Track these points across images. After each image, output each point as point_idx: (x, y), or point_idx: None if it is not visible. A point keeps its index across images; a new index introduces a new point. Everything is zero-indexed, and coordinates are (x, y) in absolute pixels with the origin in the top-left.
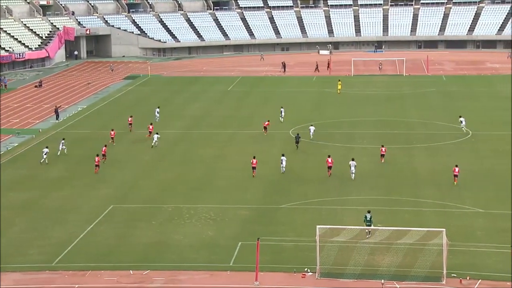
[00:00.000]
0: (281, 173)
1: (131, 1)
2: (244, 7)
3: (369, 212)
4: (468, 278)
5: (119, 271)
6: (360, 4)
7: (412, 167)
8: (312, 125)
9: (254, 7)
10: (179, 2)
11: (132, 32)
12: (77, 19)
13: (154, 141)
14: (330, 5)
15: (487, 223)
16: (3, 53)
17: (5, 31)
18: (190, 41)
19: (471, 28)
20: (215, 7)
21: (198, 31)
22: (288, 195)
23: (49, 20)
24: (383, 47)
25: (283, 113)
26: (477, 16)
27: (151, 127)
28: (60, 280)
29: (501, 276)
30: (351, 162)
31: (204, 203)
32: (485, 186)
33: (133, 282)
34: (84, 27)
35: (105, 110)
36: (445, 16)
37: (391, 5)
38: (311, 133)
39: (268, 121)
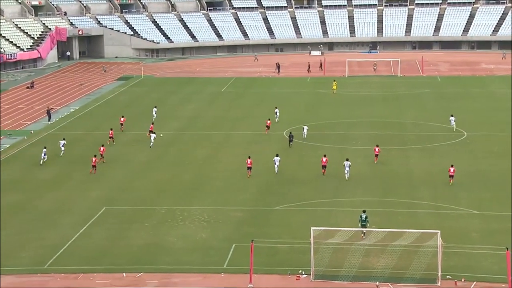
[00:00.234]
0: (274, 173)
1: (124, 1)
2: (238, 8)
3: (364, 212)
4: (463, 280)
5: (112, 274)
6: (355, 5)
7: (407, 168)
8: (305, 125)
9: (248, 8)
10: (172, 3)
11: (125, 33)
12: (69, 20)
13: (151, 141)
14: (324, 5)
15: (482, 224)
16: None
17: None
18: (184, 41)
19: (466, 29)
20: (208, 8)
21: (191, 32)
22: (283, 197)
23: (41, 21)
24: (378, 48)
25: (277, 114)
26: (472, 16)
27: (152, 126)
28: (52, 283)
29: (496, 278)
30: (345, 162)
31: (197, 205)
32: (480, 187)
33: (126, 285)
34: (77, 27)
35: (98, 111)
36: (440, 17)
37: (385, 6)
38: (304, 133)
39: (269, 119)
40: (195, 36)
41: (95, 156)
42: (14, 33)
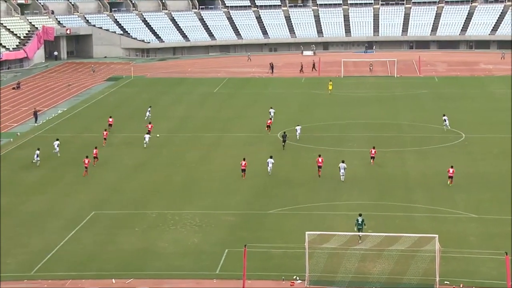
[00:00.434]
0: (268, 176)
1: None
2: (231, 6)
3: (360, 215)
4: (461, 286)
5: (101, 280)
6: (350, 3)
7: (404, 171)
8: (298, 125)
9: (241, 6)
10: (163, 1)
11: (115, 32)
12: (56, 19)
13: (145, 141)
14: (319, 4)
15: (481, 228)
16: None
17: None
18: (175, 41)
19: (464, 28)
20: (200, 6)
21: (183, 31)
22: (276, 200)
23: (28, 20)
24: (374, 48)
25: (272, 114)
26: (470, 15)
27: (150, 126)
28: None
29: (496, 283)
30: (341, 164)
31: (189, 209)
32: (478, 190)
33: None
34: (64, 26)
35: (86, 112)
36: (437, 16)
37: (382, 4)
38: (297, 133)
39: (271, 119)
40: (186, 36)
41: (87, 157)
42: None
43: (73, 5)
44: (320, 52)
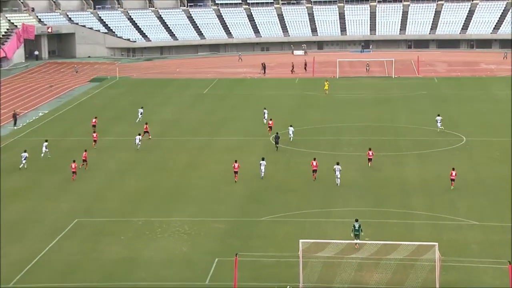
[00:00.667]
0: (260, 179)
1: None
2: (221, 4)
3: (357, 220)
4: None
5: None
6: (346, 1)
7: (402, 176)
8: (291, 126)
9: (231, 4)
10: None
11: (99, 31)
12: (37, 16)
13: (137, 143)
14: (314, 1)
15: (483, 236)
16: None
17: None
18: (162, 40)
19: (465, 27)
20: (189, 4)
21: (170, 30)
22: (269, 207)
23: (6, 17)
24: (371, 47)
25: (266, 115)
26: (471, 13)
27: (145, 126)
28: None
29: None
30: (335, 167)
31: (177, 216)
32: (480, 196)
33: None
34: (46, 24)
35: (69, 115)
36: (437, 14)
37: (378, 2)
38: (290, 135)
39: (271, 119)
40: (174, 34)
41: (74, 161)
42: None
43: (54, 2)
44: (315, 52)
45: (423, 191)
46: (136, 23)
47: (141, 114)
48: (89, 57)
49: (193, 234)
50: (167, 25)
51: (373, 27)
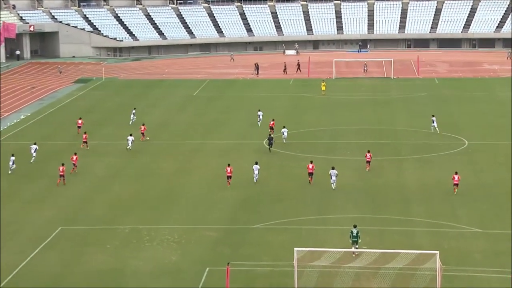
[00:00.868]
0: (253, 184)
1: None
2: (212, 1)
3: (355, 226)
4: None
5: None
6: None
7: (402, 181)
8: (284, 127)
9: (223, 1)
10: None
11: (83, 29)
12: (18, 14)
13: (129, 144)
14: None
15: (486, 244)
16: None
17: None
18: (150, 39)
19: (467, 25)
20: (178, 1)
21: (159, 28)
22: (262, 213)
23: None
24: (368, 46)
25: (260, 117)
26: (473, 11)
27: (142, 128)
28: None
29: None
30: (331, 171)
31: (166, 224)
32: (483, 202)
33: None
34: (27, 23)
35: (53, 118)
36: (438, 12)
37: None
38: (284, 136)
39: (273, 120)
40: (163, 33)
41: (63, 165)
42: None
43: None
44: (310, 52)
45: (423, 197)
46: (123, 22)
47: (134, 115)
48: (73, 57)
49: (183, 243)
50: (156, 23)
51: (371, 26)
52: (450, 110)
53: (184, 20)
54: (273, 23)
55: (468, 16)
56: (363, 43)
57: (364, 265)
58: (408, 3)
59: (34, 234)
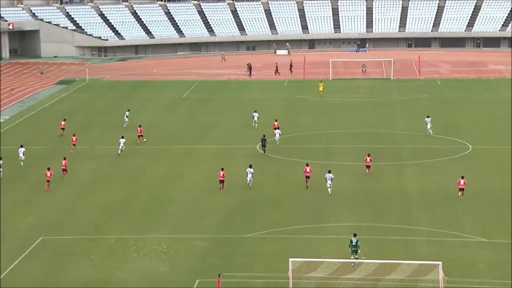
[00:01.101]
0: (246, 190)
1: None
2: None
3: (355, 235)
4: None
5: None
6: None
7: (402, 188)
8: (278, 129)
9: None
10: None
11: (66, 28)
12: None
13: (121, 146)
14: None
15: (491, 254)
16: None
17: None
18: (137, 38)
19: (470, 24)
20: None
21: (146, 27)
22: (256, 222)
23: None
24: (367, 46)
25: (256, 119)
26: (477, 9)
27: (139, 129)
28: None
29: None
30: (327, 175)
31: (154, 233)
32: (488, 210)
33: None
34: (6, 21)
35: (33, 121)
36: (440, 9)
37: None
38: (276, 138)
39: (276, 120)
40: (150, 32)
41: (49, 169)
42: None
43: None
44: (305, 51)
45: (425, 205)
46: (108, 19)
47: (127, 117)
48: (55, 56)
49: (171, 253)
50: (143, 21)
51: (369, 24)
52: (453, 113)
53: (173, 18)
54: (266, 21)
55: (472, 14)
56: (361, 42)
57: (362, 276)
58: (409, 0)
59: (13, 244)
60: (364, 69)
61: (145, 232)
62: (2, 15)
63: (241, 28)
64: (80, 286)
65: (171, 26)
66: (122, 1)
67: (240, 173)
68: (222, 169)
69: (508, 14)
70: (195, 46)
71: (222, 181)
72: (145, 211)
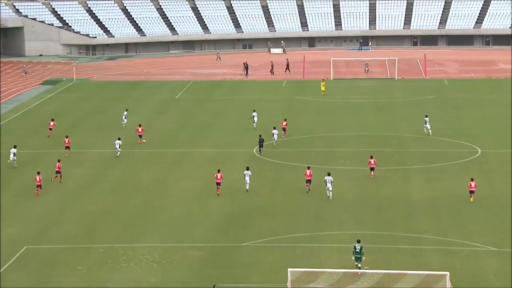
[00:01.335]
0: (243, 196)
1: None
2: None
3: (358, 242)
4: None
5: None
6: None
7: (407, 194)
8: (274, 128)
9: None
10: None
11: (52, 25)
12: None
13: (117, 148)
14: None
15: (501, 264)
16: None
17: None
18: (127, 36)
19: (479, 20)
20: None
21: (137, 24)
22: (253, 230)
23: None
24: (370, 44)
25: (255, 119)
26: (486, 4)
27: (140, 129)
28: None
29: None
30: (327, 177)
31: (145, 242)
32: (498, 217)
33: None
34: None
35: (17, 124)
36: (447, 5)
37: None
38: (274, 138)
39: (285, 120)
40: (141, 29)
41: (39, 173)
42: None
43: None
44: (305, 50)
45: (431, 212)
46: (96, 16)
47: (125, 117)
48: (40, 55)
49: (163, 263)
50: (133, 18)
51: (372, 21)
52: (460, 115)
53: (165, 14)
54: (264, 18)
55: (480, 10)
56: (364, 40)
57: (367, 287)
58: None
59: None
60: (367, 68)
61: (136, 241)
62: None
63: (237, 25)
64: None
65: (163, 23)
66: None
67: (236, 178)
68: (219, 171)
69: None
70: (189, 44)
71: (218, 183)
72: (135, 218)
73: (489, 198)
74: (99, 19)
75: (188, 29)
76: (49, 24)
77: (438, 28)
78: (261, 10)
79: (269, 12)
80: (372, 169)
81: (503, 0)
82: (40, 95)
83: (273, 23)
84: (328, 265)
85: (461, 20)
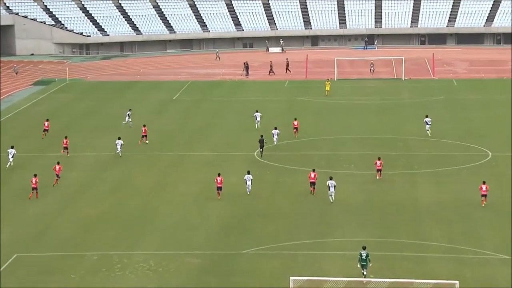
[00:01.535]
0: (243, 201)
1: None
2: None
3: (364, 248)
4: None
5: None
6: None
7: (414, 199)
8: (276, 128)
9: None
10: None
11: (44, 22)
12: None
13: (118, 148)
14: None
15: None
16: None
17: None
18: (123, 34)
19: (490, 18)
20: None
21: (133, 22)
22: (253, 236)
23: None
24: (376, 43)
25: (258, 119)
26: (497, 2)
27: (144, 130)
28: None
29: None
30: (329, 182)
31: (141, 249)
32: (510, 223)
33: None
34: None
35: (8, 125)
36: (456, 3)
37: None
38: (274, 138)
39: (296, 119)
40: (137, 28)
41: (35, 176)
42: None
43: None
44: (308, 49)
45: (440, 218)
46: (90, 14)
47: (129, 117)
48: (32, 54)
49: (160, 271)
50: (129, 16)
51: (378, 19)
52: (470, 117)
53: (162, 12)
54: (265, 15)
55: (491, 8)
56: (369, 39)
57: None
58: None
59: None
60: (372, 68)
61: (131, 248)
62: None
63: (237, 23)
64: None
65: (160, 21)
66: None
67: (236, 182)
68: (219, 175)
69: None
70: (187, 43)
71: (219, 188)
72: (131, 225)
73: (500, 203)
74: (93, 17)
75: (186, 27)
76: (41, 22)
77: (447, 26)
78: (262, 7)
79: (271, 9)
80: (379, 170)
81: None
82: (31, 96)
83: (274, 21)
84: (331, 273)
85: (471, 18)
